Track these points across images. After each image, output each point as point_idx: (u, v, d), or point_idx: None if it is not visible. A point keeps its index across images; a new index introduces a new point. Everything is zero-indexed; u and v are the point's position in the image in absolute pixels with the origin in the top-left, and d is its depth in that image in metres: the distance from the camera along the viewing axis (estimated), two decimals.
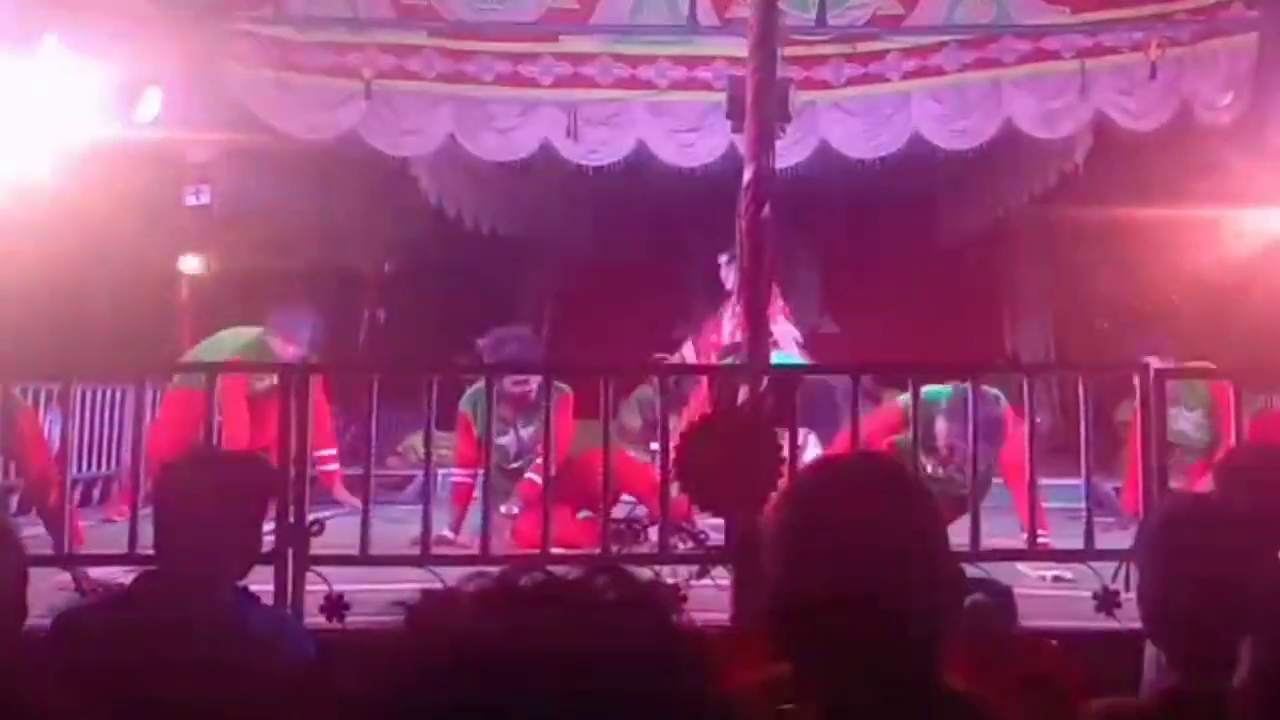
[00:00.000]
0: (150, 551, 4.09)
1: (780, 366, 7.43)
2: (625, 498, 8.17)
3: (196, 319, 11.34)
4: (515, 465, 8.67)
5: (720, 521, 6.18)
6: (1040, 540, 7.40)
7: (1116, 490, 8.71)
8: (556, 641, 1.22)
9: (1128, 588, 5.26)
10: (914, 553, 2.19)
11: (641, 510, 8.04)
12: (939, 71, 11.18)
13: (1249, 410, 6.93)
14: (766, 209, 6.22)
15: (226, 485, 3.94)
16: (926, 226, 14.41)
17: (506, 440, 8.63)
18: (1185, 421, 9.14)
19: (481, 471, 6.71)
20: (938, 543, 2.29)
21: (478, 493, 7.54)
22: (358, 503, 6.74)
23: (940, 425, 8.04)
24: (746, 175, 6.29)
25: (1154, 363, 6.95)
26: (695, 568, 5.75)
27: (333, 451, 9.64)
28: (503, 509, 8.28)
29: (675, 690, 1.25)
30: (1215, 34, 10.64)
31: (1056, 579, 6.84)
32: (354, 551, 6.07)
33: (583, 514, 7.99)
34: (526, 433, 8.50)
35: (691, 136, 11.21)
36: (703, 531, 6.36)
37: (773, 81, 6.43)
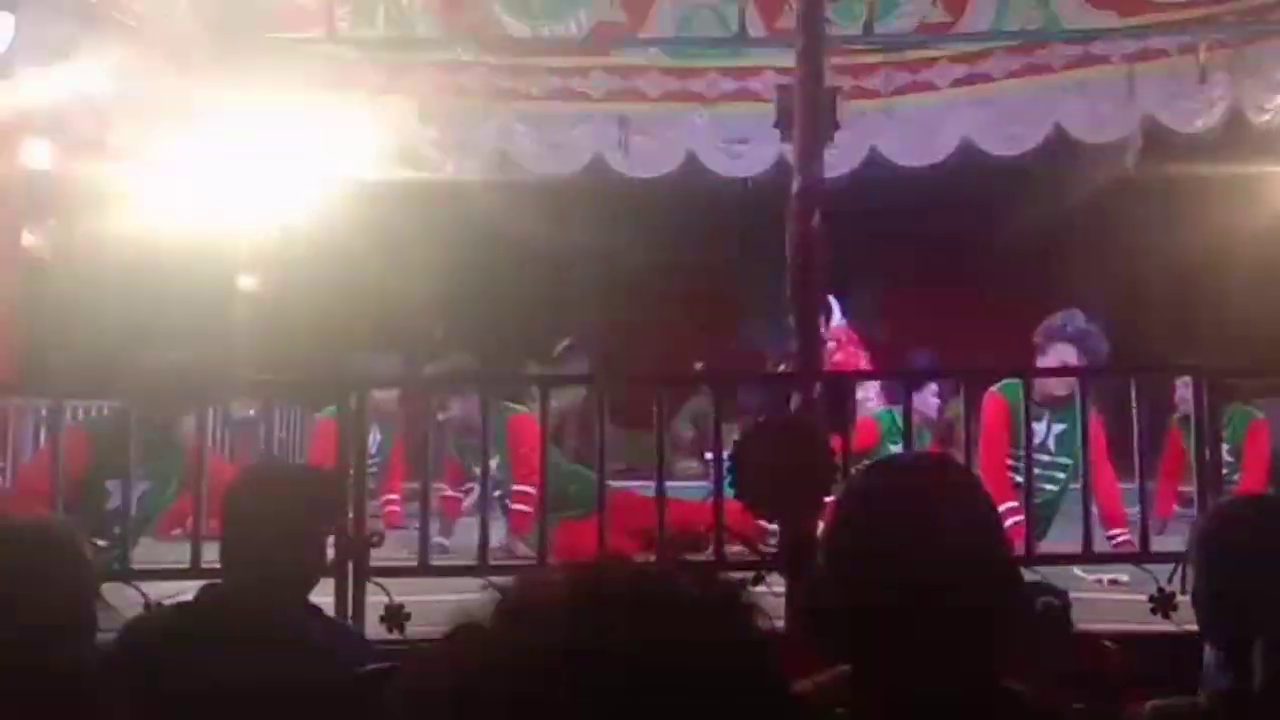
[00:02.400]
0: (215, 566, 4.15)
1: (833, 373, 7.47)
2: None
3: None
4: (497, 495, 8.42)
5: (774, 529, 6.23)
6: (1119, 539, 7.48)
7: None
8: (643, 638, 1.24)
9: (1184, 590, 5.27)
10: (975, 552, 2.21)
11: None
12: (987, 78, 11.18)
13: None
14: (816, 218, 6.25)
15: (292, 499, 4.00)
16: (981, 232, 14.38)
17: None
18: None
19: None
20: (998, 543, 2.31)
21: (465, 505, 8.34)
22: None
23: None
24: (795, 185, 6.33)
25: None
26: (751, 575, 5.78)
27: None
28: None
29: (756, 691, 1.29)
30: (1264, 36, 10.61)
31: (1113, 582, 6.83)
32: (413, 562, 6.14)
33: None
34: (494, 463, 7.92)
35: (742, 147, 11.25)
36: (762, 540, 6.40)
37: (820, 91, 6.45)
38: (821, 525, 2.30)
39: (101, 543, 5.87)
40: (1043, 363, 8.15)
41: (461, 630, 1.30)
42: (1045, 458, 8.24)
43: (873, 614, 2.17)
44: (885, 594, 2.16)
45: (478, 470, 8.04)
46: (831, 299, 10.93)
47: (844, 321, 11.10)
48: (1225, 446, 8.77)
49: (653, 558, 5.94)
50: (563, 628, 1.24)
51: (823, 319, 10.86)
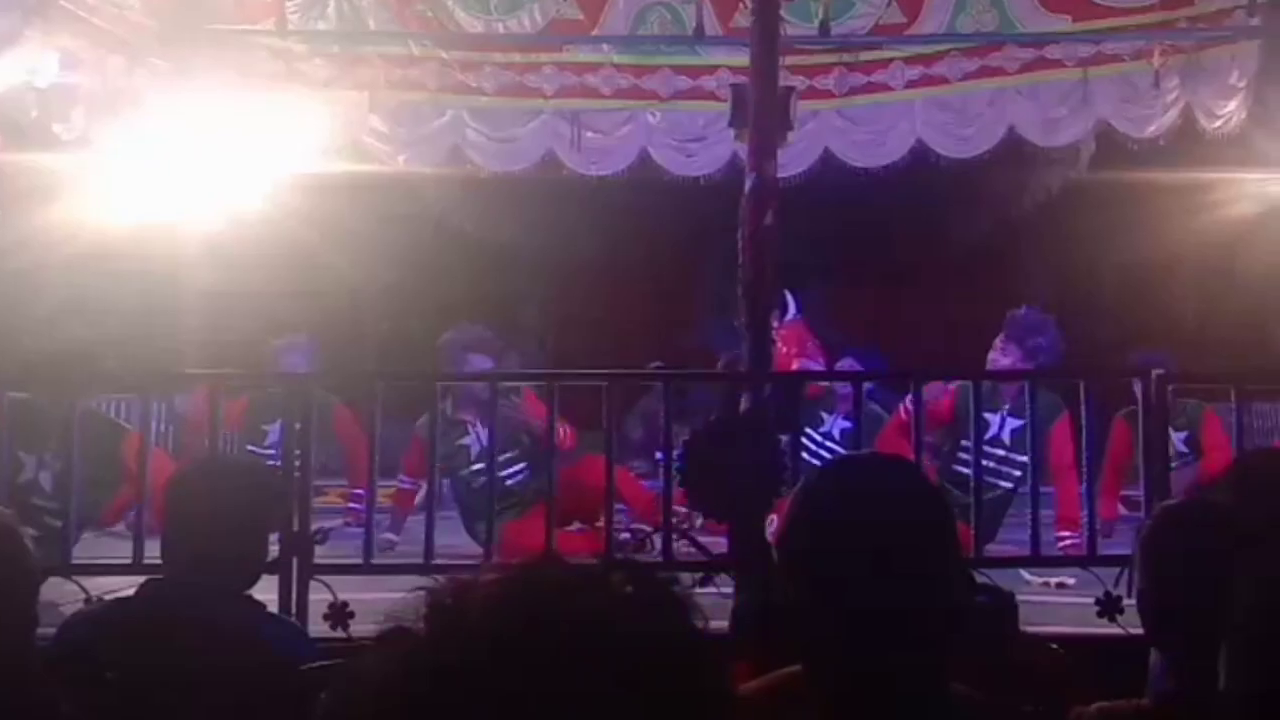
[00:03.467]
0: (156, 562, 4.10)
1: (782, 374, 7.48)
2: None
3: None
4: (477, 467, 8.45)
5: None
6: (1067, 543, 7.52)
7: None
8: (574, 634, 1.22)
9: (1130, 593, 5.27)
10: (930, 553, 2.21)
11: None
12: (942, 80, 11.22)
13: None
14: (769, 217, 6.24)
15: (234, 493, 3.96)
16: (933, 234, 14.41)
17: (468, 440, 8.67)
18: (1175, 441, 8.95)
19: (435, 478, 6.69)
20: (951, 544, 2.31)
21: (418, 500, 8.18)
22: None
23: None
24: (748, 183, 6.31)
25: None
26: (699, 575, 5.76)
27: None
28: None
29: (691, 686, 1.26)
30: (1217, 42, 10.67)
31: (1060, 585, 6.85)
32: (358, 560, 6.10)
33: (574, 526, 8.09)
34: (484, 433, 8.10)
35: (695, 146, 11.26)
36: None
37: (774, 90, 6.45)
38: (775, 524, 2.30)
39: (33, 531, 5.79)
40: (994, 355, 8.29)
41: (390, 635, 1.27)
42: (1000, 452, 8.28)
43: (825, 613, 2.17)
44: (837, 593, 2.16)
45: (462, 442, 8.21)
46: (787, 294, 10.96)
47: (798, 317, 11.09)
48: (1181, 435, 8.86)
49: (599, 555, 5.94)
50: (490, 630, 1.21)
51: (776, 315, 10.99)
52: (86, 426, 6.52)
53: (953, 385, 8.27)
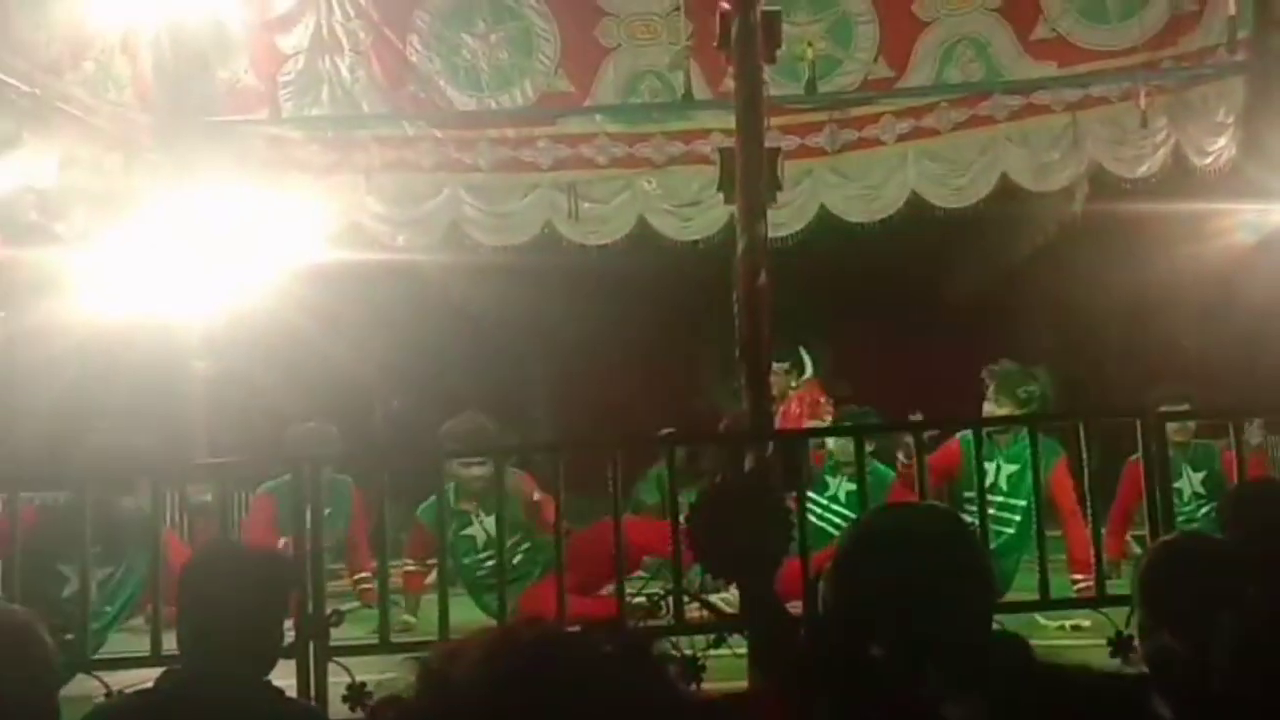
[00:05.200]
0: (174, 653, 4.12)
1: (785, 432, 7.52)
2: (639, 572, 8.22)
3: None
4: (484, 555, 8.56)
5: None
6: (1082, 585, 7.53)
7: None
8: (553, 693, 1.26)
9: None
10: (969, 602, 2.27)
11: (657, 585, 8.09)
12: (932, 132, 11.31)
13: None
14: (763, 277, 6.29)
15: (247, 578, 3.99)
16: (932, 283, 14.45)
17: (472, 530, 8.74)
18: (1187, 481, 8.89)
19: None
20: (987, 590, 2.38)
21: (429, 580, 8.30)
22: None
23: None
24: (740, 245, 6.37)
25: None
26: (711, 637, 5.78)
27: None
28: None
29: None
30: (1203, 80, 10.76)
31: (1075, 627, 6.85)
32: (375, 640, 6.12)
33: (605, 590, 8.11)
34: (489, 521, 8.25)
35: (691, 210, 11.33)
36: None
37: (761, 152, 6.51)
38: (826, 569, 2.35)
39: (68, 636, 5.82)
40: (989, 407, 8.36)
41: (382, 704, 1.32)
42: (998, 498, 8.31)
43: (869, 649, 2.23)
44: (885, 632, 2.24)
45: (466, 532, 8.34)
46: (803, 353, 11.04)
47: (813, 377, 11.17)
48: (1198, 476, 8.86)
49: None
50: (473, 691, 1.26)
51: (795, 375, 11.05)
52: (128, 524, 6.61)
53: (954, 442, 8.30)
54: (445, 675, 1.30)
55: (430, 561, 8.66)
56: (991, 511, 7.58)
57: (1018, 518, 8.39)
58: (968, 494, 7.57)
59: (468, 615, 7.58)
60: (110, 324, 9.45)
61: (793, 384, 11.08)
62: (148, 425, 8.16)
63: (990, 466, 8.27)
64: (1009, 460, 8.37)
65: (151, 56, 10.28)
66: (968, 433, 7.66)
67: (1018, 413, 8.44)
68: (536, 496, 8.35)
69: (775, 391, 9.11)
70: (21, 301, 8.98)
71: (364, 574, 9.42)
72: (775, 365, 8.40)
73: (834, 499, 9.42)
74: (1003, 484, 8.48)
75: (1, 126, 8.56)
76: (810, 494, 8.56)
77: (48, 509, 6.98)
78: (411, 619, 8.57)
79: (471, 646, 1.33)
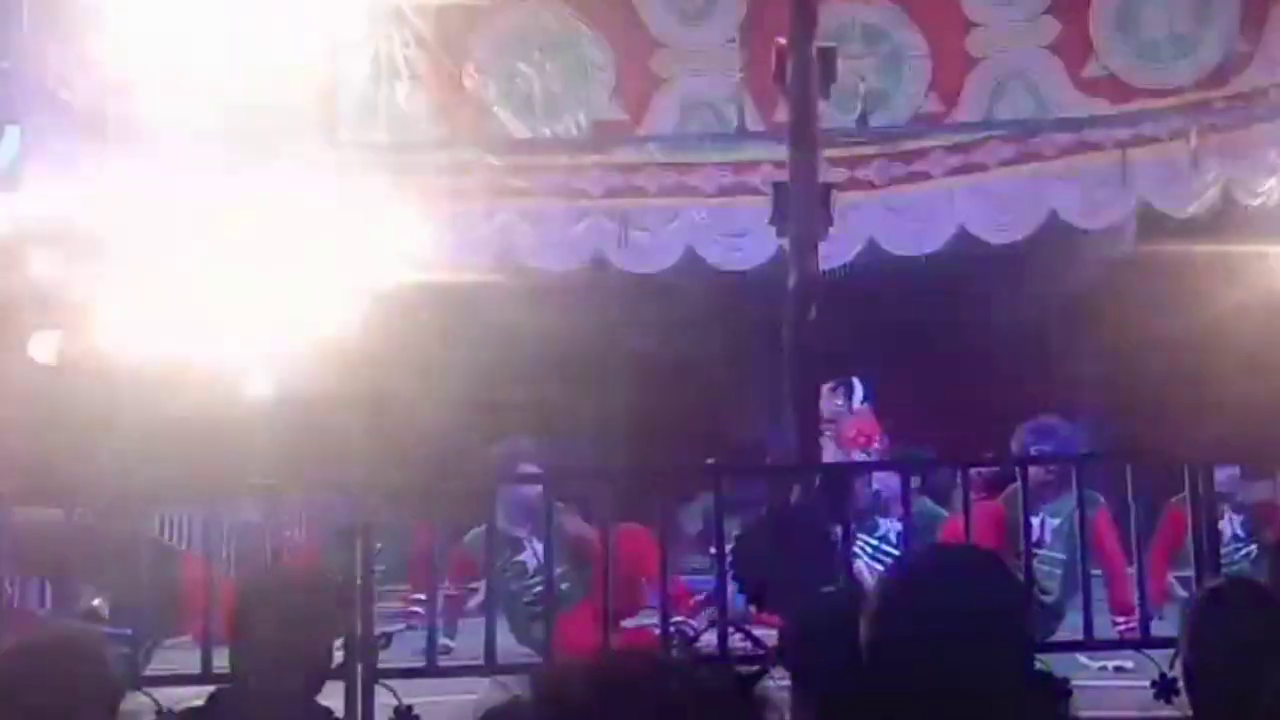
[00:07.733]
0: (225, 671, 4.19)
1: (829, 465, 7.54)
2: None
3: None
4: (533, 580, 8.57)
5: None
6: (1126, 626, 7.51)
7: None
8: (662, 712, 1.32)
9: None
10: (1010, 645, 2.30)
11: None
12: (982, 167, 11.32)
13: None
14: (812, 312, 6.33)
15: (298, 600, 4.05)
16: (981, 319, 14.42)
17: (524, 556, 8.78)
18: (1228, 523, 8.84)
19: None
20: (1021, 641, 2.40)
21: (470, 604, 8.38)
22: None
23: None
24: (791, 279, 6.41)
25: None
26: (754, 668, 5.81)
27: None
28: None
29: None
30: (1254, 120, 10.74)
31: (1118, 669, 6.85)
32: (421, 663, 6.17)
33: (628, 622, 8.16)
34: (540, 548, 8.29)
35: (741, 240, 11.37)
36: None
37: (814, 186, 6.56)
38: (867, 612, 2.37)
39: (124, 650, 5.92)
40: None
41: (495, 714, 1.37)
42: (1042, 552, 8.30)
43: (914, 699, 2.25)
44: (927, 681, 2.25)
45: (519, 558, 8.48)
46: (855, 382, 11.05)
47: (866, 405, 11.17)
48: (1239, 518, 8.83)
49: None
50: (588, 701, 1.31)
51: (846, 401, 11.04)
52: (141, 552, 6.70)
53: (994, 505, 8.27)
54: (562, 682, 1.35)
55: (473, 585, 8.72)
56: (1042, 567, 7.60)
57: (1059, 572, 8.39)
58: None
59: (502, 641, 7.62)
60: (168, 348, 9.52)
61: (839, 401, 11.05)
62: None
63: (1035, 520, 8.24)
64: (1052, 515, 8.35)
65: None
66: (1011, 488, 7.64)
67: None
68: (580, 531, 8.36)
69: (826, 413, 9.14)
70: (82, 323, 9.06)
71: (419, 595, 9.45)
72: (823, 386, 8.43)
73: (884, 539, 9.43)
74: (1046, 538, 8.47)
75: (61, 145, 8.68)
76: (860, 534, 8.62)
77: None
78: (450, 643, 8.60)
79: (584, 665, 1.38)
